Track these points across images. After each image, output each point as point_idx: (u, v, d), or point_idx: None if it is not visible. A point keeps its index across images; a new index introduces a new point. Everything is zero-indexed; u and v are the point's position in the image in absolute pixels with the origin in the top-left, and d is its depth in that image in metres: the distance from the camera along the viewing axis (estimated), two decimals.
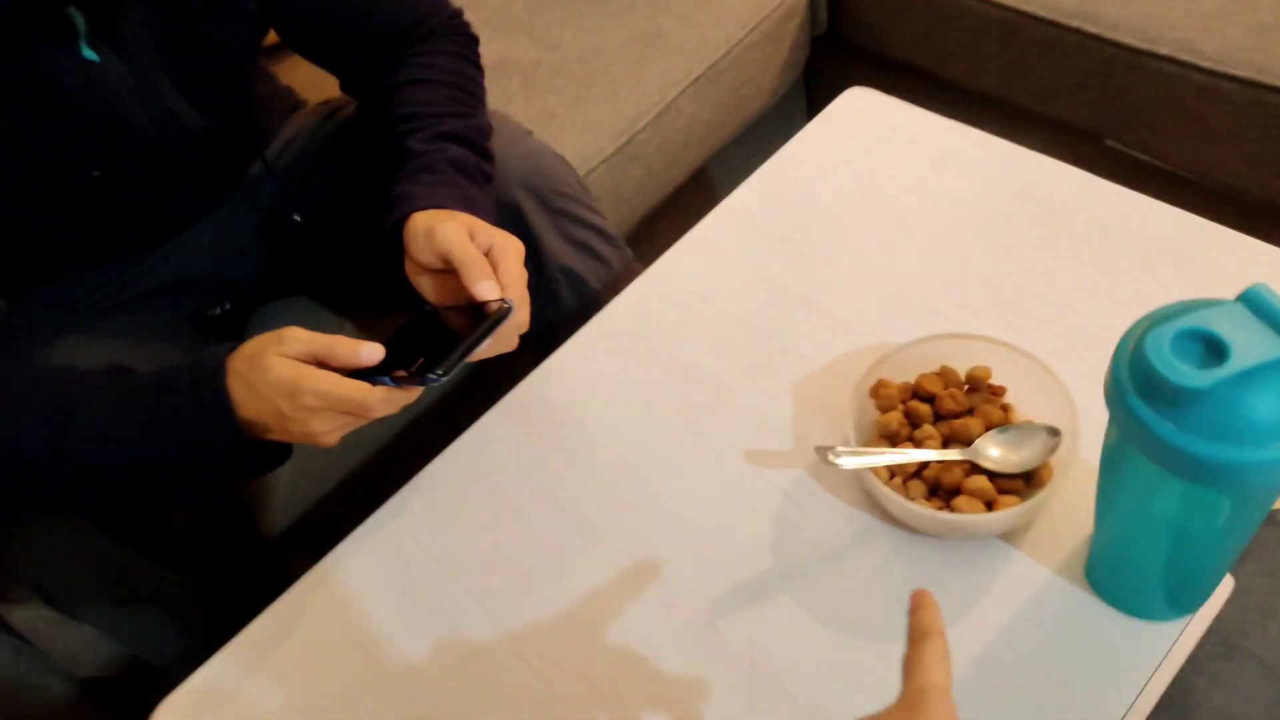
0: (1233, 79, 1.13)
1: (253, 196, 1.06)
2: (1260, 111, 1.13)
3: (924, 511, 0.72)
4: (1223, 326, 0.53)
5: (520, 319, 0.78)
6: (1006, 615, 0.72)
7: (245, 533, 1.01)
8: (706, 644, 0.73)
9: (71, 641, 1.02)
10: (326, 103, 1.15)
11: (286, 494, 1.10)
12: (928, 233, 0.94)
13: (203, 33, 0.88)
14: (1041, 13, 1.25)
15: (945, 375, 0.80)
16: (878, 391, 0.79)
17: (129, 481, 0.79)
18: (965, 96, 1.40)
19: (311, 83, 1.13)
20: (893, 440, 0.78)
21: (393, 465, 1.16)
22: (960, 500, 0.73)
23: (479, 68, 1.00)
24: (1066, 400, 0.75)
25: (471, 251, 0.76)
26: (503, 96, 1.30)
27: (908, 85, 1.42)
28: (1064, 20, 1.23)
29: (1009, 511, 0.71)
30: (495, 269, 0.77)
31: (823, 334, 0.89)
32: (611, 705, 0.72)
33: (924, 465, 0.77)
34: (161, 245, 1.03)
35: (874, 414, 0.80)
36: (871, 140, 1.03)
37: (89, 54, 0.81)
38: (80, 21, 0.79)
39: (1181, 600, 0.68)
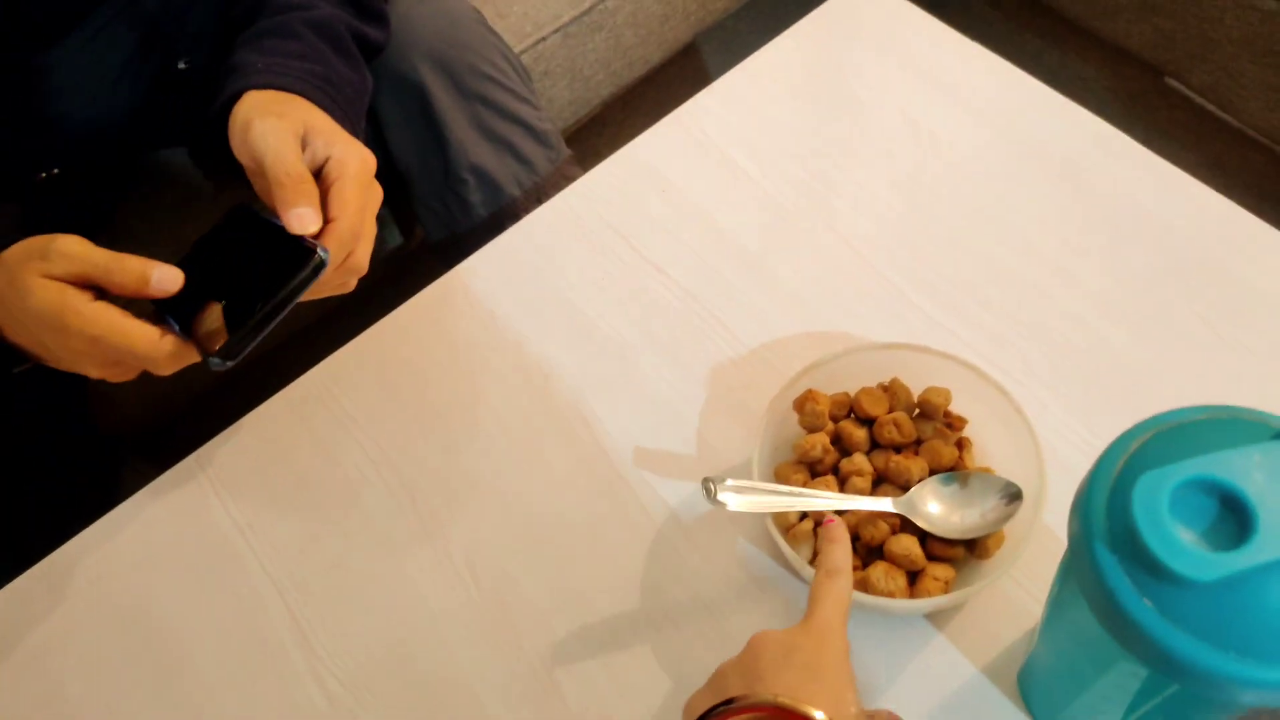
0: None
1: (133, 12, 0.85)
2: None
3: None
4: (1253, 480, 0.36)
5: (355, 262, 0.60)
6: (913, 715, 0.57)
7: (76, 438, 0.87)
8: (540, 697, 0.59)
9: None
10: None
11: (133, 387, 0.95)
12: (916, 191, 0.75)
13: None
14: None
15: (893, 393, 0.63)
16: (804, 406, 0.62)
17: None
18: None
19: None
20: (813, 469, 0.62)
21: (270, 354, 1.01)
22: (877, 569, 0.57)
23: None
24: (1035, 453, 0.58)
25: (289, 165, 0.58)
26: None
27: None
28: None
29: (931, 601, 0.56)
30: (326, 192, 0.59)
31: (762, 307, 0.71)
32: None
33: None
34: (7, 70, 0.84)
35: (798, 429, 0.64)
36: (871, 55, 0.82)
37: None
38: None
39: None
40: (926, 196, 0.75)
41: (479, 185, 0.86)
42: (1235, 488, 0.36)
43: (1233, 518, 0.36)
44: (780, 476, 0.62)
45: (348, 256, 0.60)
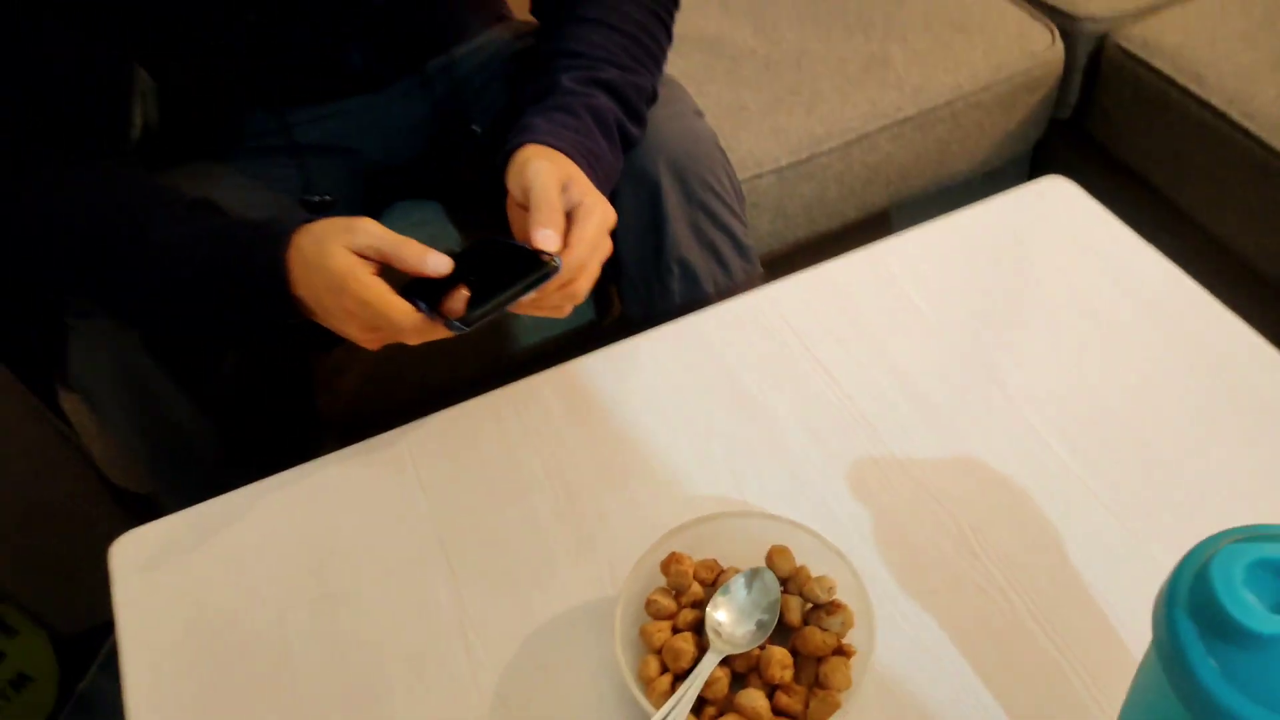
0: None
1: (429, 86, 1.04)
2: None
3: None
4: None
5: (576, 289, 0.72)
6: None
7: (298, 405, 1.01)
8: None
9: (110, 447, 1.05)
10: (529, 21, 1.12)
11: (358, 383, 1.10)
12: (1074, 358, 0.83)
13: None
14: None
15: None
16: (669, 568, 0.67)
17: (171, 314, 0.79)
18: (1195, 232, 1.24)
19: None
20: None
21: (467, 389, 1.14)
22: None
23: (668, 30, 0.95)
24: (869, 615, 0.64)
25: (550, 196, 0.72)
26: (702, 74, 1.24)
27: (1135, 201, 1.28)
28: None
29: None
30: (570, 227, 0.72)
31: (912, 423, 0.80)
32: None
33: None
34: (323, 104, 1.03)
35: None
36: (1051, 237, 0.92)
37: None
38: None
39: None
40: (1082, 366, 0.82)
41: (682, 276, 0.99)
42: None
43: None
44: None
45: (570, 281, 0.72)
